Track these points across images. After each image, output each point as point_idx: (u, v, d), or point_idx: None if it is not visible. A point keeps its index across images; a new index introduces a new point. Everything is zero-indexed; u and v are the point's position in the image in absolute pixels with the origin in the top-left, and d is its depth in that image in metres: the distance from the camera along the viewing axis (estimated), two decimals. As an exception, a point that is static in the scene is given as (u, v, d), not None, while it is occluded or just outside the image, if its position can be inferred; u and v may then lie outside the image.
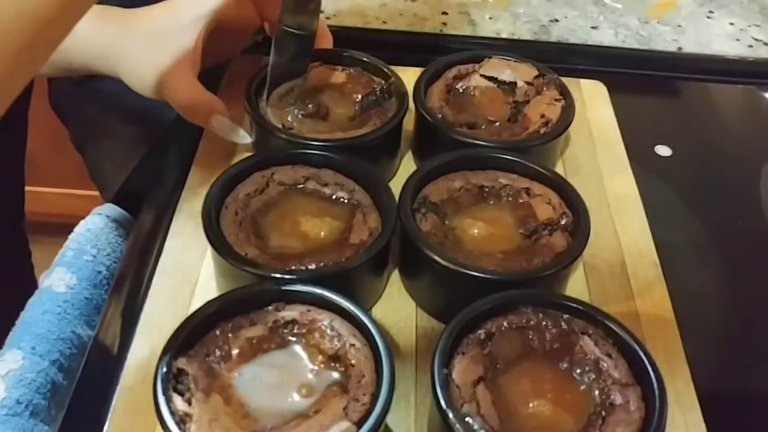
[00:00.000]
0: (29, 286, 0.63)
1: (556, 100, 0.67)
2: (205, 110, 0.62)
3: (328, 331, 0.48)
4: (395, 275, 0.59)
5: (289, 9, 0.62)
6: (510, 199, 0.59)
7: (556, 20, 0.90)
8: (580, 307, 0.49)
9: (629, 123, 0.75)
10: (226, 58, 0.74)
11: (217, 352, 0.46)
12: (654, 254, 0.62)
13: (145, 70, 0.61)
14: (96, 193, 0.96)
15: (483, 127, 0.66)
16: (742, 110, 0.86)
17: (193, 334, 0.46)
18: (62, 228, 0.68)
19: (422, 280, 0.57)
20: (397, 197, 0.56)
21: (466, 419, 0.43)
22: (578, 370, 0.48)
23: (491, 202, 0.59)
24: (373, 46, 0.80)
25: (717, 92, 0.85)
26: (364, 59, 0.69)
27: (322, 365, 0.47)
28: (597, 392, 0.46)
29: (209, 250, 0.56)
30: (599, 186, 0.67)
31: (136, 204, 0.66)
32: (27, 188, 1.00)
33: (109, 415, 0.49)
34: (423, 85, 0.67)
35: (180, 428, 0.42)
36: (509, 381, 0.47)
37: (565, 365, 0.48)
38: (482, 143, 0.62)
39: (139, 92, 0.62)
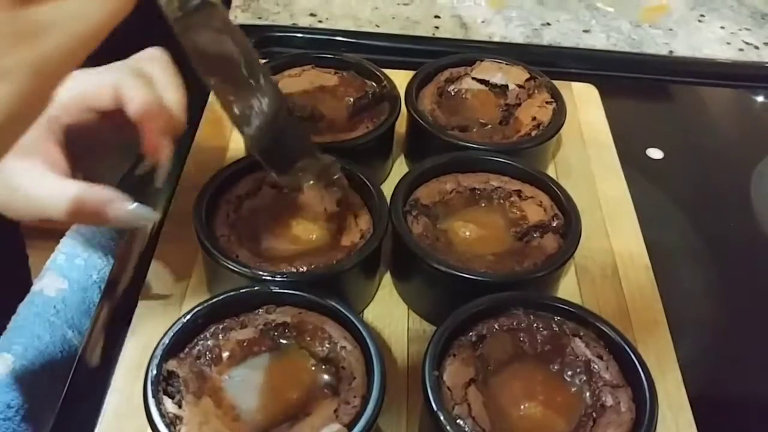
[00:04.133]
0: (27, 289, 0.62)
1: (547, 102, 0.67)
2: (97, 206, 0.49)
3: (319, 334, 0.47)
4: (387, 278, 0.59)
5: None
6: (501, 201, 0.59)
7: (548, 24, 0.90)
8: (571, 309, 0.50)
9: (621, 126, 0.75)
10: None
11: (208, 355, 0.46)
12: (645, 256, 0.62)
13: None
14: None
15: (474, 129, 0.66)
16: (733, 113, 0.86)
17: (183, 337, 0.46)
18: (55, 232, 0.67)
19: (414, 283, 0.57)
20: (388, 200, 0.56)
21: (458, 421, 0.43)
22: (569, 372, 0.48)
23: (482, 204, 0.59)
24: (366, 49, 0.80)
25: (708, 95, 0.86)
26: (357, 62, 0.69)
27: (313, 368, 0.47)
28: (588, 394, 0.46)
29: (201, 252, 0.56)
30: (591, 188, 0.67)
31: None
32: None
33: (100, 418, 0.49)
34: (415, 88, 0.67)
35: (170, 431, 0.42)
36: (500, 383, 0.47)
37: (556, 367, 0.48)
38: (474, 146, 0.62)
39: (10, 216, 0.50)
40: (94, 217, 0.49)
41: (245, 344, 0.47)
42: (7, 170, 0.48)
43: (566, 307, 0.50)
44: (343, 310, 0.48)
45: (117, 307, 0.57)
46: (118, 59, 0.52)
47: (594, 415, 0.45)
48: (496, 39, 0.88)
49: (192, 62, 0.45)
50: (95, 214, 0.49)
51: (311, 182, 0.52)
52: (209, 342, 0.47)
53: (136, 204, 0.49)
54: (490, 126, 0.66)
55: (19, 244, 1.01)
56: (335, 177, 0.53)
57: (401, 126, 0.67)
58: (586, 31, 0.90)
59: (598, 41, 0.88)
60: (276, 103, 0.48)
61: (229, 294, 0.49)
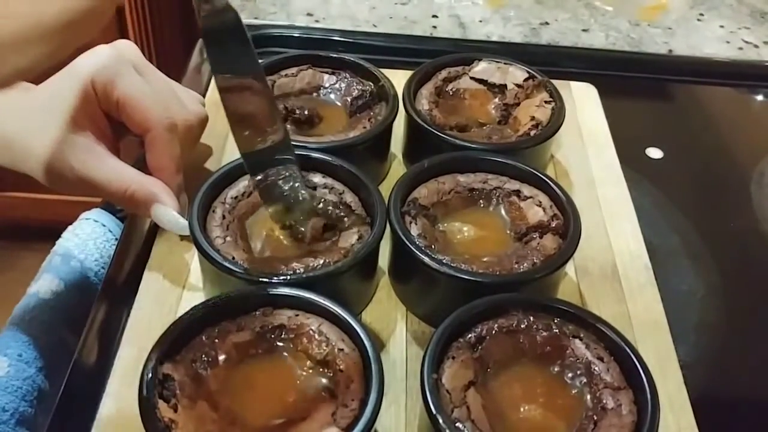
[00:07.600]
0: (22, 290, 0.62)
1: (546, 102, 0.66)
2: (145, 200, 0.53)
3: (317, 336, 0.47)
4: (385, 279, 0.58)
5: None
6: (500, 201, 0.59)
7: (547, 23, 0.90)
8: (571, 310, 0.49)
9: (620, 125, 0.74)
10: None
11: (204, 358, 0.46)
12: (645, 257, 0.61)
13: (53, 161, 0.51)
14: (85, 198, 0.95)
15: (473, 129, 0.65)
16: (732, 112, 0.86)
17: (179, 340, 0.46)
18: (52, 233, 0.67)
19: (412, 284, 0.56)
20: (386, 200, 0.56)
21: (457, 424, 0.43)
22: (570, 374, 0.47)
23: (481, 204, 0.59)
24: (363, 49, 0.80)
25: (707, 94, 0.86)
26: (354, 62, 0.68)
27: (310, 371, 0.46)
28: (588, 396, 0.46)
29: (197, 255, 0.56)
30: (590, 188, 0.67)
31: (124, 209, 0.65)
32: (16, 194, 1.00)
33: (95, 422, 0.48)
34: (413, 87, 0.67)
35: (165, 435, 0.41)
36: (500, 385, 0.47)
37: (556, 369, 0.48)
38: (472, 145, 0.62)
39: (58, 190, 0.53)
40: (140, 209, 0.54)
41: (242, 347, 0.47)
42: (63, 144, 0.50)
43: (566, 309, 0.49)
44: (341, 312, 0.47)
45: (112, 309, 0.56)
46: None
47: (595, 417, 0.45)
48: (495, 38, 0.87)
49: (213, 71, 0.48)
50: (143, 206, 0.53)
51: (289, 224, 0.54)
52: (205, 345, 0.46)
53: (173, 213, 0.54)
54: (488, 126, 0.66)
55: None
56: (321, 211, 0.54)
57: (399, 126, 0.67)
58: (584, 30, 0.89)
59: (596, 40, 0.88)
60: (283, 136, 0.51)
61: (225, 296, 0.48)
